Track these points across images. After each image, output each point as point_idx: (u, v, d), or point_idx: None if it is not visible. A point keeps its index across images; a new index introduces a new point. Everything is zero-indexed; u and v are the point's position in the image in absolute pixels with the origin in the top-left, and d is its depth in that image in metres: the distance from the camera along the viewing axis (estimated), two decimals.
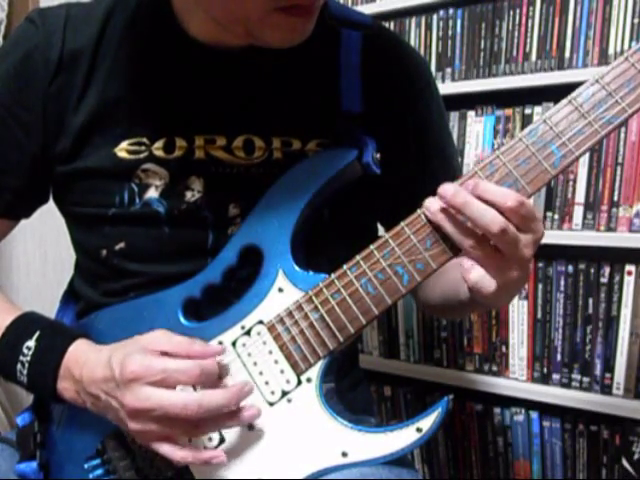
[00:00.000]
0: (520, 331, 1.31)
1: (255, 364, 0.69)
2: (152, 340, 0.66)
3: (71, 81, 0.75)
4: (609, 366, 1.22)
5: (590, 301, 1.24)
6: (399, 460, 0.68)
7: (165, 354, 0.65)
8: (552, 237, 1.23)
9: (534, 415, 1.31)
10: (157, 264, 0.76)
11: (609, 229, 1.21)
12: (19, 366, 0.71)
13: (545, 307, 1.29)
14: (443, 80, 1.41)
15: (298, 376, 0.69)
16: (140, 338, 0.67)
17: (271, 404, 0.69)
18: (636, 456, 1.20)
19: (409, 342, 1.46)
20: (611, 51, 1.22)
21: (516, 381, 1.32)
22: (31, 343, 0.70)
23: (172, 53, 0.76)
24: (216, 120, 0.76)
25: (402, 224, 0.66)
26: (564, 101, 0.64)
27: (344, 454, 0.67)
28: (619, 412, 1.20)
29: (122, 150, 0.75)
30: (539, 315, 1.29)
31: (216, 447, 0.69)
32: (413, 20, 1.45)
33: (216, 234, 0.75)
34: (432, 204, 0.64)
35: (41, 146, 0.77)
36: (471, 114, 1.37)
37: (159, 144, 0.75)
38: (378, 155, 0.76)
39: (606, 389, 1.23)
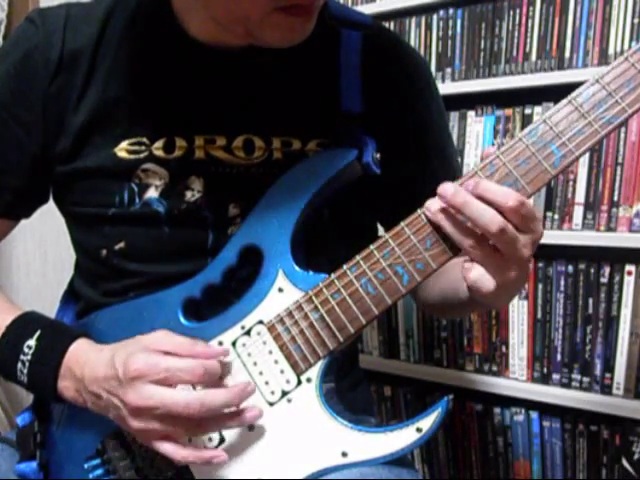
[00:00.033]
0: (520, 331, 1.31)
1: (255, 364, 0.69)
2: (154, 340, 0.66)
3: (71, 81, 0.75)
4: (609, 366, 1.22)
5: (590, 301, 1.24)
6: (399, 460, 0.68)
7: (167, 354, 0.65)
8: (552, 237, 1.23)
9: (534, 415, 1.30)
10: (157, 264, 0.76)
11: (609, 229, 1.21)
12: (19, 365, 0.71)
13: (545, 307, 1.29)
14: (443, 80, 1.41)
15: (298, 376, 0.69)
16: (142, 338, 0.67)
17: (271, 404, 0.69)
18: (636, 456, 1.20)
19: (409, 342, 1.46)
20: (611, 51, 1.22)
21: (516, 381, 1.32)
22: (32, 342, 0.70)
23: (172, 53, 0.76)
24: (216, 120, 0.76)
25: (402, 224, 0.66)
26: (564, 101, 0.64)
27: (344, 454, 0.67)
28: (619, 412, 1.19)
29: (122, 150, 0.75)
30: (539, 315, 1.29)
31: (216, 447, 0.69)
32: (413, 20, 1.45)
33: (216, 234, 0.75)
34: (432, 204, 0.64)
35: (41, 146, 0.77)
36: (471, 114, 1.36)
37: (159, 144, 0.75)
38: (378, 155, 0.76)
39: (606, 389, 1.22)
